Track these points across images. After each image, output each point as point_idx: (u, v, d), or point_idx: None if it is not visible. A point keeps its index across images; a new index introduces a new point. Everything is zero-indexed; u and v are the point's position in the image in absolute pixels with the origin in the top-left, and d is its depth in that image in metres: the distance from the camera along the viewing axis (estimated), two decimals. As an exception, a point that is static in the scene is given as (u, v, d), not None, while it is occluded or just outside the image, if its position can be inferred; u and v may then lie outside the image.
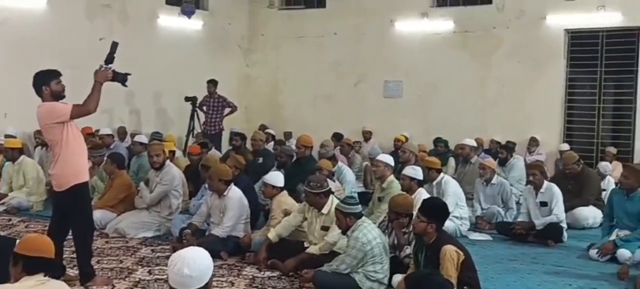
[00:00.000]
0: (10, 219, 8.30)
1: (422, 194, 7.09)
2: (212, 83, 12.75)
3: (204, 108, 12.90)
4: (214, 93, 12.79)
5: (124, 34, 12.72)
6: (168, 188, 7.68)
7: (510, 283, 6.04)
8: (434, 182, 8.10)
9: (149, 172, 8.02)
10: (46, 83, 5.35)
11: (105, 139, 10.50)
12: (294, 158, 9.31)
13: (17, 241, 3.65)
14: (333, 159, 9.37)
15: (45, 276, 3.47)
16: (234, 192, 6.88)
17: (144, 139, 9.72)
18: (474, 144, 10.42)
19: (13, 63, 10.90)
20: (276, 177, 6.94)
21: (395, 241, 5.95)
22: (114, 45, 5.48)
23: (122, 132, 12.08)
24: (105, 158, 8.46)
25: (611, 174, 10.10)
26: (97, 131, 10.97)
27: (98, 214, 7.70)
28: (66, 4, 11.81)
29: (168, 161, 7.93)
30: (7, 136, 9.62)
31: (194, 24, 13.87)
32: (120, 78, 5.54)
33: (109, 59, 5.46)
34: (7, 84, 10.82)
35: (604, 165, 10.22)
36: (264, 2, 15.38)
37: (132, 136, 11.42)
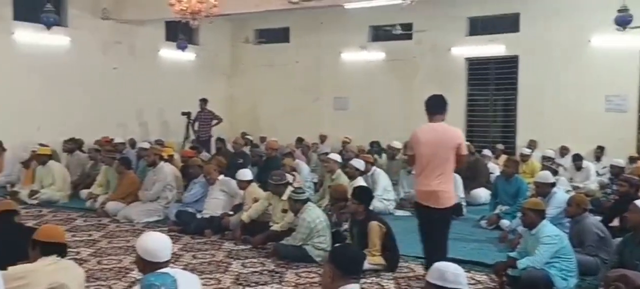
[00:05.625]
0: (41, 211, 8.05)
1: (359, 181, 7.16)
2: (203, 101, 12.53)
3: (197, 121, 12.65)
4: (204, 108, 12.56)
5: (132, 64, 12.59)
6: (162, 184, 7.57)
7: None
8: (369, 174, 8.15)
9: (149, 172, 7.90)
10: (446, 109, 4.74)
11: (118, 146, 10.17)
12: (264, 158, 9.26)
13: (36, 230, 3.53)
14: (290, 156, 9.34)
15: (57, 257, 3.38)
16: (225, 180, 7.12)
17: (146, 145, 9.51)
18: (400, 145, 10.46)
19: (44, 88, 10.78)
20: (244, 174, 6.85)
21: (336, 219, 5.99)
22: None
23: (131, 142, 11.46)
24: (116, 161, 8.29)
25: (497, 162, 10.28)
26: (113, 139, 10.70)
27: (111, 205, 7.57)
28: (86, 41, 11.54)
29: (162, 162, 7.81)
30: (40, 145, 9.33)
31: (188, 55, 13.66)
32: None
33: None
34: (40, 104, 10.62)
35: (486, 151, 10.53)
36: (241, 38, 15.26)
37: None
